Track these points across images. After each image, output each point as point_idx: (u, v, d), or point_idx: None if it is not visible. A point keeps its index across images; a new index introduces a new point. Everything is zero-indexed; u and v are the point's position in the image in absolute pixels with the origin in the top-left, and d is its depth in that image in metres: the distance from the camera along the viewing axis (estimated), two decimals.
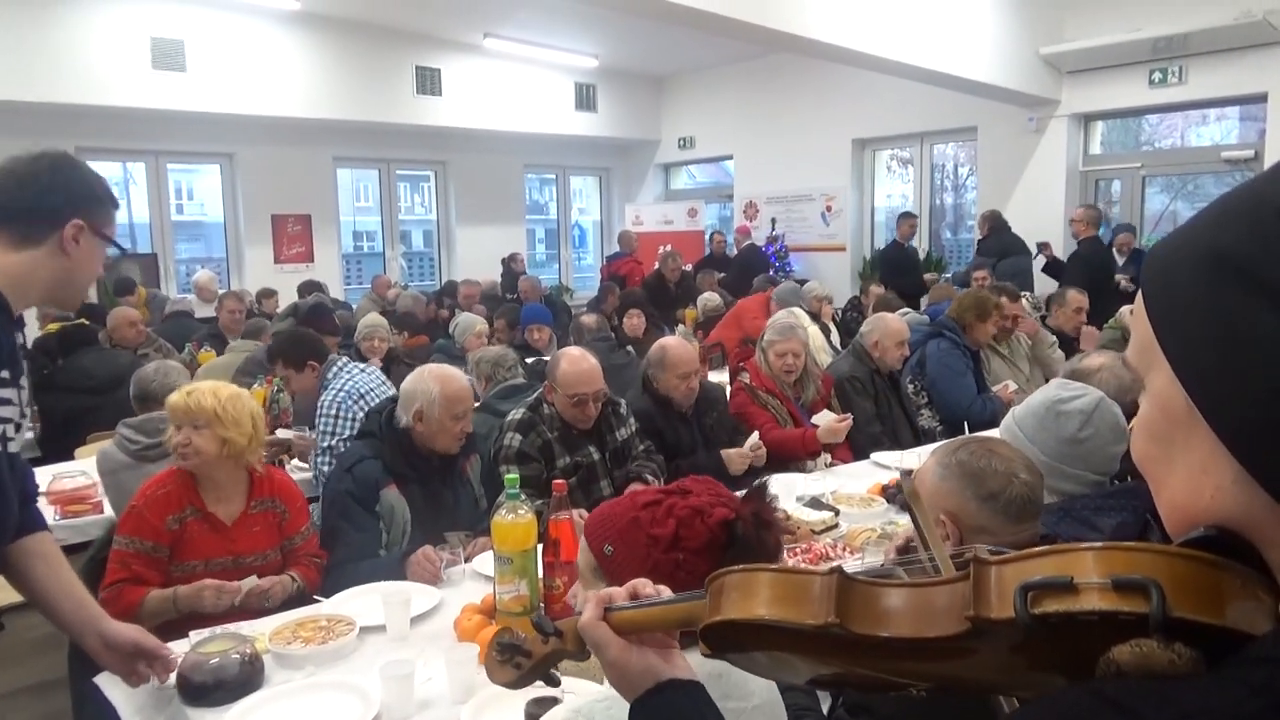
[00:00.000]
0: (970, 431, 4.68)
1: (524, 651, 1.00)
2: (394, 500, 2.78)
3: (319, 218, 10.60)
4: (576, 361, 3.20)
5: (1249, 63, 7.63)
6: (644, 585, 0.99)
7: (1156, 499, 0.62)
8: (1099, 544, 0.58)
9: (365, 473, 2.78)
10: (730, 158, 12.28)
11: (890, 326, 4.43)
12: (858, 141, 10.80)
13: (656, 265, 9.78)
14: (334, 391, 3.93)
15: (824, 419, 3.88)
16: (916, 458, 3.54)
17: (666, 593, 0.98)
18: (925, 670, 0.67)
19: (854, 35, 6.48)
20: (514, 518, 2.09)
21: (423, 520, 2.79)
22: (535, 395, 3.35)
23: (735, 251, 10.85)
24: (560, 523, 2.13)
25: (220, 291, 8.32)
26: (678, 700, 0.93)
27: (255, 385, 4.22)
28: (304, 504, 2.72)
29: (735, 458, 3.61)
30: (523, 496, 2.15)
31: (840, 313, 8.24)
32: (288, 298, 8.55)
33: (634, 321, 6.45)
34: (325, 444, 3.81)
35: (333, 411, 3.86)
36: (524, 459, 3.15)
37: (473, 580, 2.55)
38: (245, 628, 2.20)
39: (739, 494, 1.42)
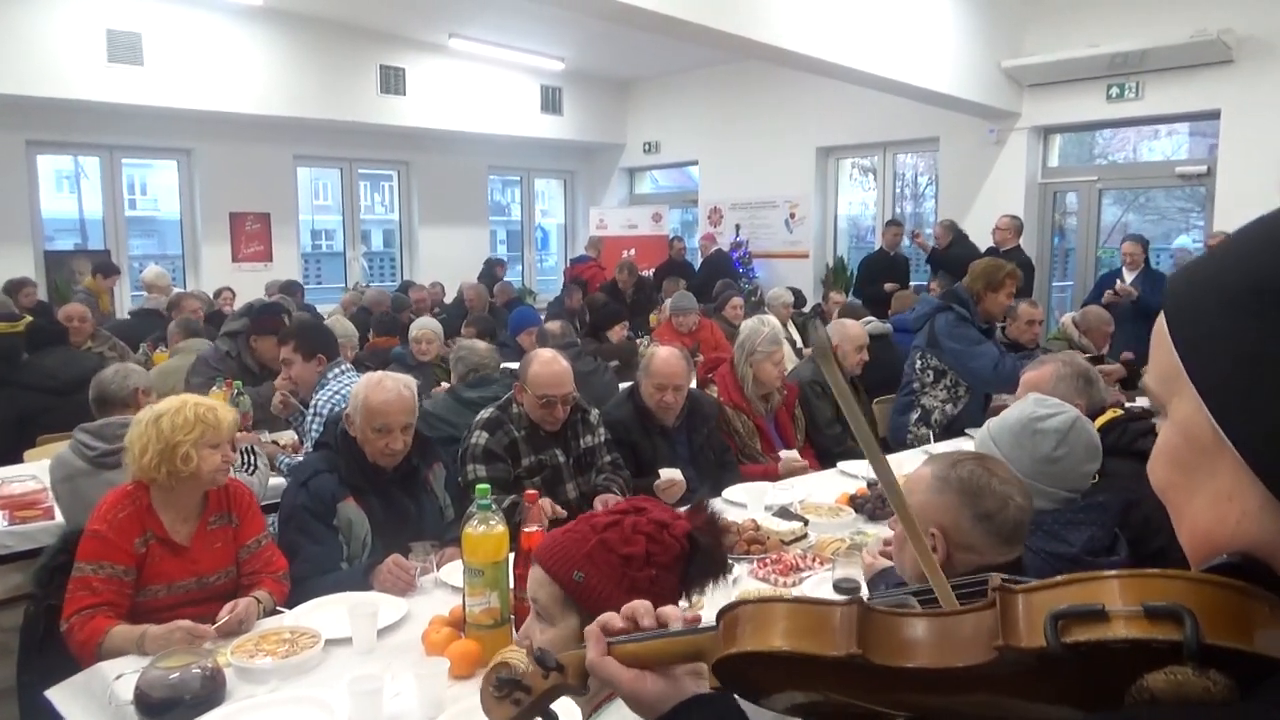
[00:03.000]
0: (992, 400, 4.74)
1: (523, 687, 0.96)
2: (352, 514, 2.71)
3: (278, 216, 10.44)
4: (548, 364, 3.19)
5: (1203, 80, 7.81)
6: (644, 614, 0.97)
7: (1177, 525, 0.62)
8: (1125, 571, 0.58)
9: (320, 487, 2.71)
10: (695, 163, 12.32)
11: (849, 331, 4.47)
12: (822, 150, 10.89)
13: (613, 274, 9.79)
14: (329, 393, 3.83)
15: (788, 454, 3.87)
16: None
17: (675, 622, 0.96)
18: (938, 703, 0.66)
19: (819, 44, 6.52)
20: (485, 529, 2.07)
21: (384, 533, 2.73)
22: (507, 395, 3.36)
23: (700, 257, 10.87)
24: (532, 534, 2.10)
25: (176, 290, 8.16)
26: (709, 713, 0.90)
27: (215, 388, 4.12)
28: (256, 509, 2.63)
29: (657, 489, 3.32)
30: (494, 507, 2.12)
31: (806, 320, 8.28)
32: (246, 296, 8.40)
33: (620, 332, 6.46)
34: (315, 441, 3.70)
35: (325, 411, 3.77)
36: (490, 457, 3.14)
37: (440, 591, 2.51)
38: (207, 641, 2.14)
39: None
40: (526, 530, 2.12)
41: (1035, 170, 9.24)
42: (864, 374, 4.62)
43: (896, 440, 4.64)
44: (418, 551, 2.59)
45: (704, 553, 1.36)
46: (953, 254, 8.21)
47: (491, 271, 10.66)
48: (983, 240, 8.45)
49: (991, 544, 1.66)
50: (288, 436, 4.09)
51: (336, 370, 3.99)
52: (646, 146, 12.66)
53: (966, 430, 4.44)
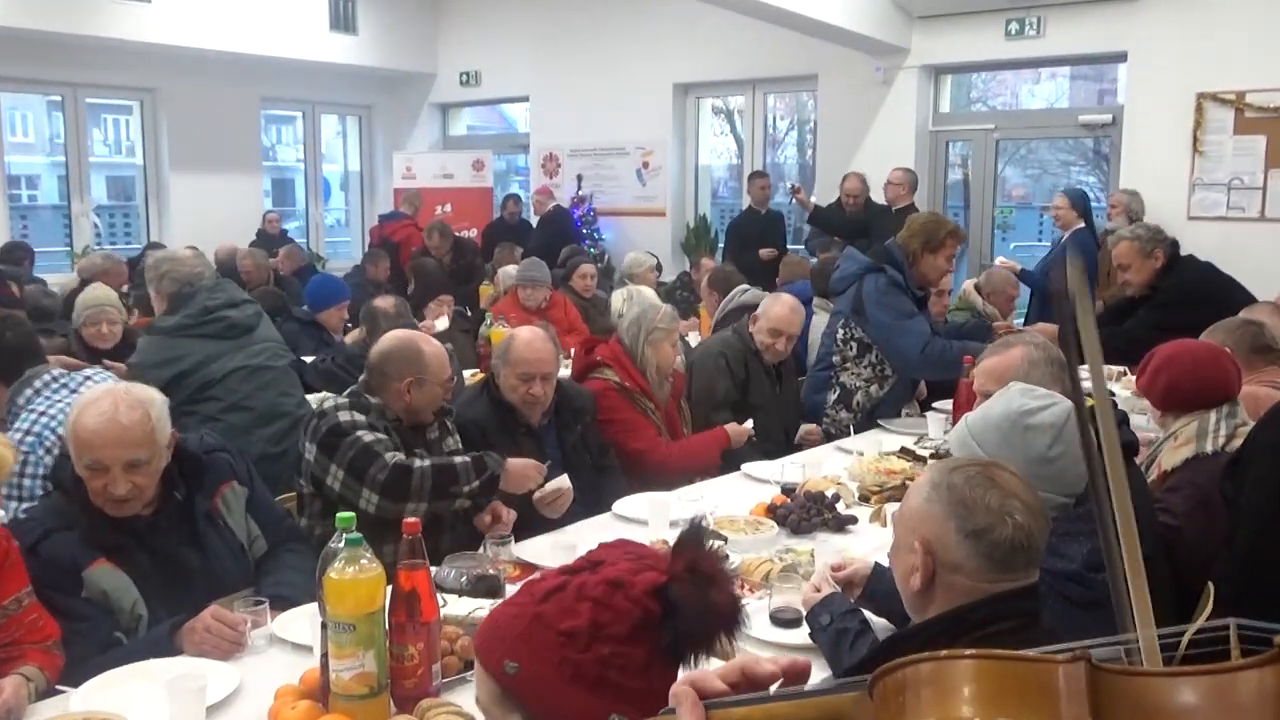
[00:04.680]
0: (933, 390, 4.85)
1: None
2: (105, 581, 2.42)
3: None
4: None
5: (1110, 18, 8.35)
6: (754, 664, 0.89)
7: None
8: None
9: (55, 551, 2.41)
10: (525, 99, 12.19)
11: (772, 310, 4.49)
12: (679, 86, 10.97)
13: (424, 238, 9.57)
14: (18, 430, 3.25)
15: (733, 426, 4.00)
16: (800, 469, 3.61)
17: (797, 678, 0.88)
18: None
19: None
20: (355, 571, 1.94)
21: (161, 596, 2.48)
22: (350, 390, 3.27)
23: (536, 217, 10.77)
24: (415, 571, 2.02)
25: None
26: None
27: None
28: (15, 560, 2.35)
29: (540, 501, 3.33)
30: (364, 542, 1.98)
31: (670, 290, 8.34)
32: None
33: (442, 310, 6.27)
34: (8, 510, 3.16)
35: (34, 445, 3.23)
36: (379, 433, 3.09)
37: (277, 651, 2.35)
38: None
39: (666, 545, 1.38)
40: (406, 567, 2.01)
41: (926, 116, 9.65)
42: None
43: (813, 421, 4.71)
44: (244, 601, 2.41)
45: (683, 611, 1.25)
46: (851, 215, 8.47)
47: (266, 234, 10.18)
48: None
49: (980, 567, 1.69)
50: None
51: (32, 389, 3.41)
52: (464, 78, 12.41)
53: (881, 421, 4.58)
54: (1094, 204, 8.37)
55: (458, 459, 3.09)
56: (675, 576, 1.27)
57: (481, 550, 2.84)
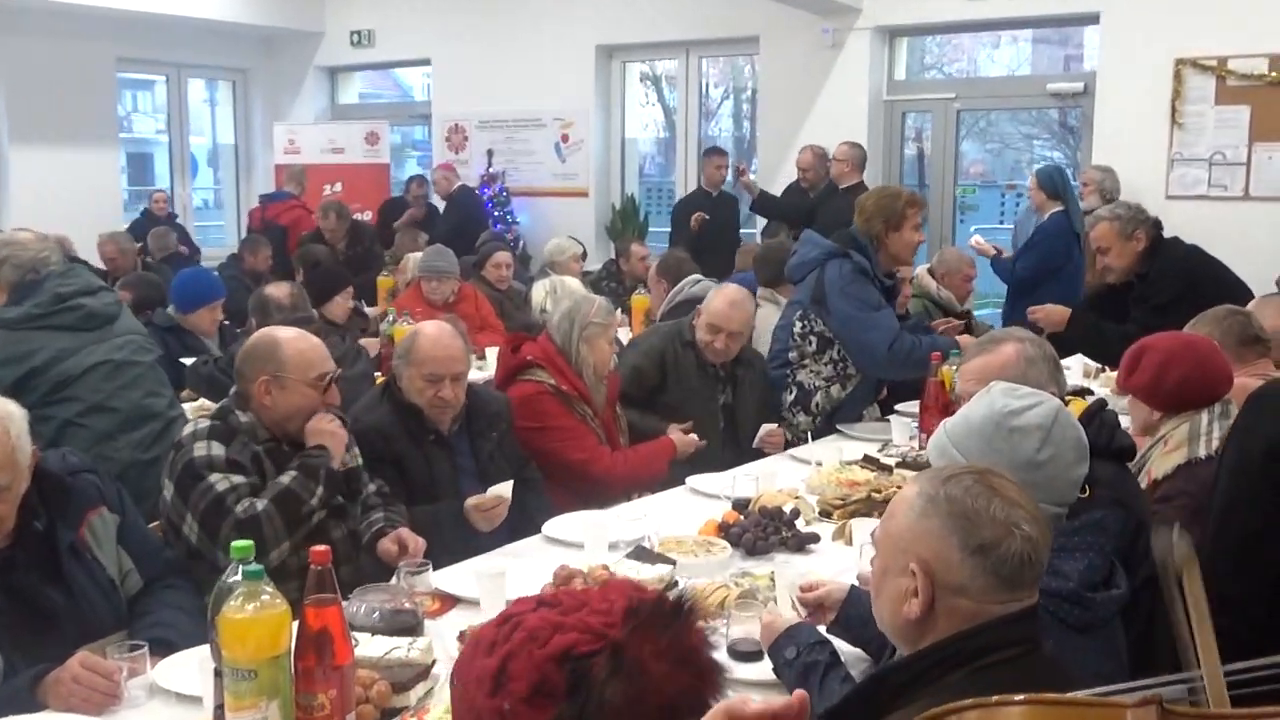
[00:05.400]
0: (893, 391, 4.88)
1: None
2: None
3: None
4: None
5: None
6: (740, 706, 0.89)
7: None
8: None
9: None
10: (426, 63, 12.14)
11: (711, 304, 4.50)
12: (603, 49, 10.97)
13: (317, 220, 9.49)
14: None
15: (675, 431, 4.04)
16: (753, 481, 3.63)
17: None
18: None
19: None
20: (256, 608, 1.93)
21: (20, 643, 2.43)
22: (222, 404, 3.24)
23: (439, 199, 10.70)
24: (325, 608, 1.99)
25: None
26: None
27: None
28: None
29: (474, 509, 3.41)
30: (265, 575, 1.96)
31: (596, 281, 8.33)
32: None
33: (345, 305, 6.21)
34: None
35: None
36: (239, 468, 3.02)
37: (159, 703, 2.30)
38: None
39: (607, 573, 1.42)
40: (314, 603, 1.99)
41: (879, 85, 9.77)
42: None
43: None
44: (117, 647, 2.36)
45: (589, 695, 1.24)
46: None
47: (151, 216, 10.09)
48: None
49: (988, 587, 1.69)
50: None
51: None
52: (355, 38, 12.31)
53: (841, 426, 4.62)
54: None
55: (285, 477, 3.05)
56: (614, 644, 1.27)
57: (395, 581, 2.80)
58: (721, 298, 4.51)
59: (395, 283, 7.69)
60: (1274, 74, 7.81)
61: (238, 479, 3.00)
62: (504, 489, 3.36)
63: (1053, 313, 5.08)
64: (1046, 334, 4.51)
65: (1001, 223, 12.78)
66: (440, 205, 10.70)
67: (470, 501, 3.33)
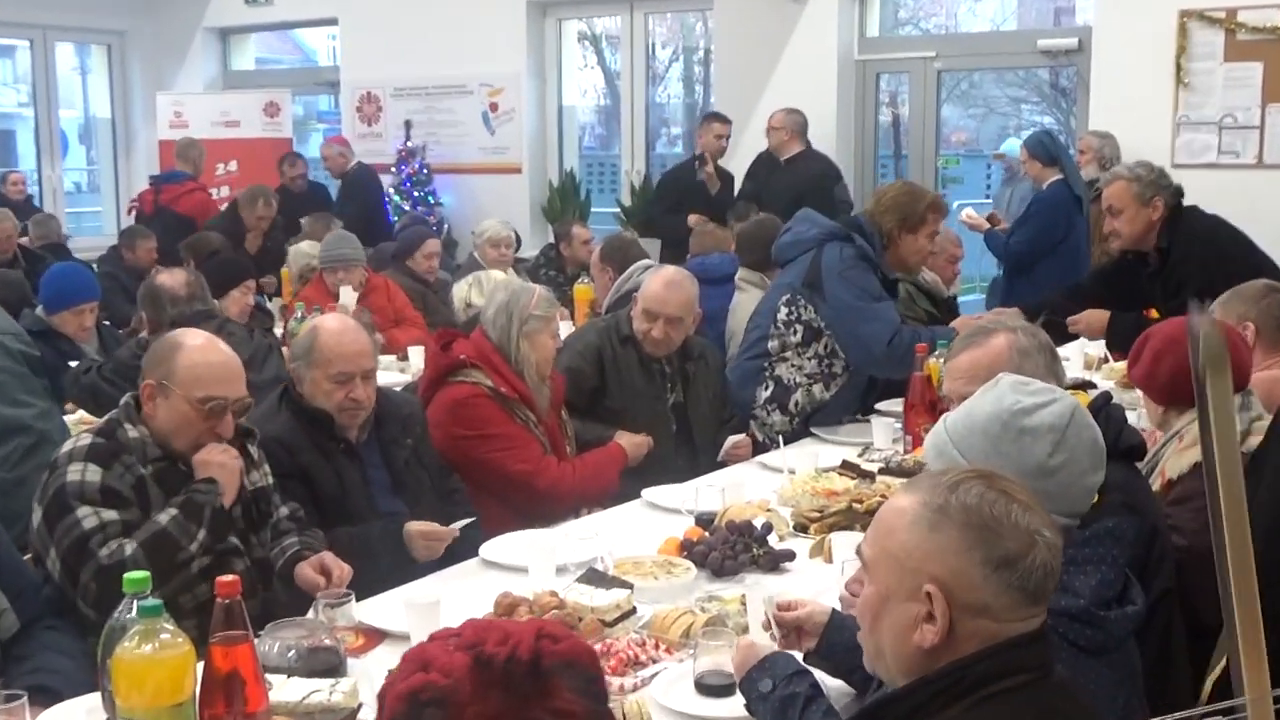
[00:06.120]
0: (884, 390, 4.87)
1: None
2: None
3: None
4: (208, 353, 3.16)
5: None
6: None
7: None
8: None
9: None
10: (333, 22, 12.15)
11: (646, 287, 4.50)
12: (536, 5, 11.01)
13: (231, 207, 9.44)
14: None
15: (624, 436, 4.09)
16: (719, 493, 3.63)
17: None
18: None
19: None
20: (154, 648, 1.95)
21: None
22: (110, 415, 3.22)
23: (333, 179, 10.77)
24: (234, 646, 2.02)
25: None
26: None
27: None
28: None
29: (421, 536, 3.45)
30: (165, 612, 1.98)
31: (534, 269, 8.33)
32: None
33: (244, 299, 6.17)
34: None
35: None
36: (115, 499, 2.97)
37: None
38: None
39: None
40: (221, 640, 2.01)
41: (850, 43, 9.83)
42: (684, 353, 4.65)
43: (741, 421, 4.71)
44: None
45: None
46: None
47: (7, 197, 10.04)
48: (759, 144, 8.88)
49: (1014, 603, 1.70)
50: None
51: None
52: None
53: (815, 430, 4.64)
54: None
55: (164, 515, 3.01)
56: (434, 699, 1.32)
57: (312, 615, 2.79)
58: (657, 279, 4.51)
59: (288, 274, 7.68)
60: None
61: (109, 515, 2.95)
62: (460, 526, 3.44)
63: (1093, 320, 5.04)
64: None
65: (988, 196, 12.92)
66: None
67: (417, 527, 3.32)
